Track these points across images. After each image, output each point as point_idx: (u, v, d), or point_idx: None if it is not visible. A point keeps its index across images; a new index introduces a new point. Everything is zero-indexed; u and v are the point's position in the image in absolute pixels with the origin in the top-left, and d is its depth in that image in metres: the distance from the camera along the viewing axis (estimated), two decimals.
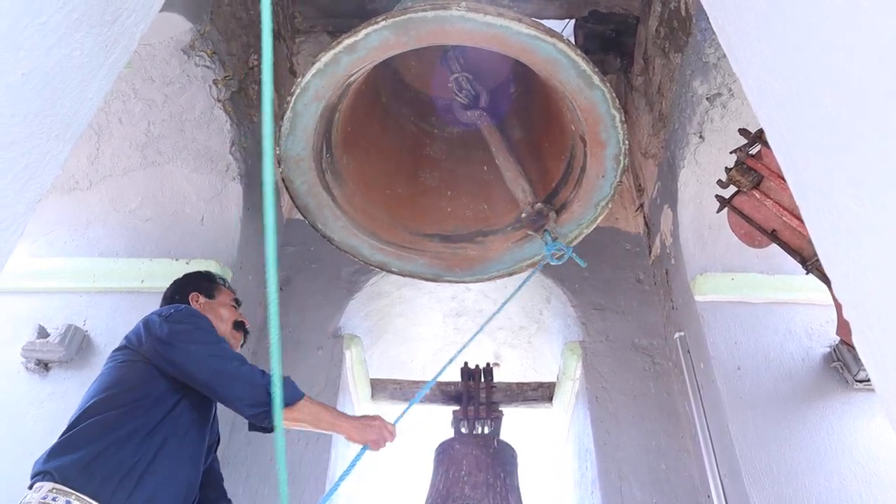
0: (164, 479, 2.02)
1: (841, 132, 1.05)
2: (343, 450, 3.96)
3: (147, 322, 2.30)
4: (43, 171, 1.25)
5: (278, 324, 1.55)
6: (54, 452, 1.96)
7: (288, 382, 2.21)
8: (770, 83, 1.29)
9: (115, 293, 3.54)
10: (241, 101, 3.84)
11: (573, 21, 4.81)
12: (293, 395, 2.21)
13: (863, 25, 0.97)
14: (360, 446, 2.35)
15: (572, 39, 4.82)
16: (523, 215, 2.98)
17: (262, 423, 2.16)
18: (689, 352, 3.69)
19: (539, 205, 2.93)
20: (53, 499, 1.80)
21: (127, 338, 2.34)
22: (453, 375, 4.41)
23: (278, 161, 2.81)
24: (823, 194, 1.10)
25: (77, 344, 3.30)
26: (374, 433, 2.33)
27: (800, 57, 1.16)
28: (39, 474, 1.89)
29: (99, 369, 2.33)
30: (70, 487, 1.83)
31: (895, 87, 0.91)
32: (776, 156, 1.30)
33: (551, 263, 2.93)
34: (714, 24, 1.57)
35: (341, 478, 2.30)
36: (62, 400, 3.11)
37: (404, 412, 2.50)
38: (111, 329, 3.39)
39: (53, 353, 3.22)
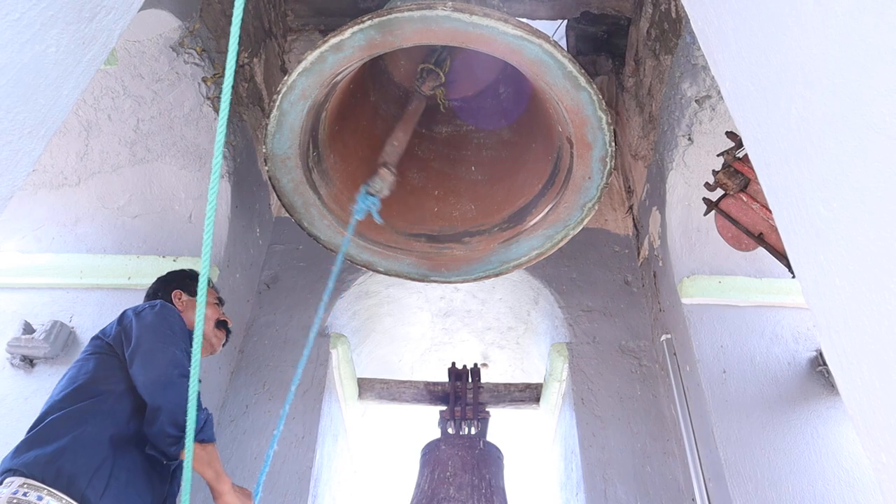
0: (133, 478, 2.00)
1: (812, 137, 1.05)
2: (329, 448, 3.96)
3: (122, 316, 2.30)
4: (15, 168, 1.25)
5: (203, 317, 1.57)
6: (21, 449, 1.94)
7: (210, 421, 2.13)
8: (746, 86, 1.29)
9: (102, 290, 3.53)
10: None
11: (565, 22, 4.81)
12: (209, 436, 2.10)
13: (835, 31, 0.97)
14: None
15: (564, 40, 4.83)
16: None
17: (168, 446, 2.02)
18: (675, 354, 3.70)
19: (381, 163, 2.88)
20: (24, 494, 1.78)
21: (103, 329, 2.33)
22: (441, 375, 4.41)
23: (265, 159, 2.81)
24: (795, 198, 1.11)
25: (63, 340, 3.28)
26: None
27: (774, 61, 1.16)
28: (8, 471, 1.87)
29: None
30: (40, 482, 1.81)
31: (865, 93, 0.91)
32: (751, 159, 1.30)
33: (357, 218, 2.82)
34: (695, 27, 1.57)
35: None
36: (47, 396, 3.08)
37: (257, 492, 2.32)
38: (97, 326, 3.34)
39: (38, 349, 3.20)
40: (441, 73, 3.30)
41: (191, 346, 2.32)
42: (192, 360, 1.70)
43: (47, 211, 3.74)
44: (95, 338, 2.30)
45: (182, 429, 1.93)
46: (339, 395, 4.24)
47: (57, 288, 3.52)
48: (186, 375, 2.03)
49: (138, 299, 2.87)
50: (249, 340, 4.02)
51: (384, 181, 2.83)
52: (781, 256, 2.75)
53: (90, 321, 3.40)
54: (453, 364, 4.39)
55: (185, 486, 1.76)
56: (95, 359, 2.21)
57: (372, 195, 2.80)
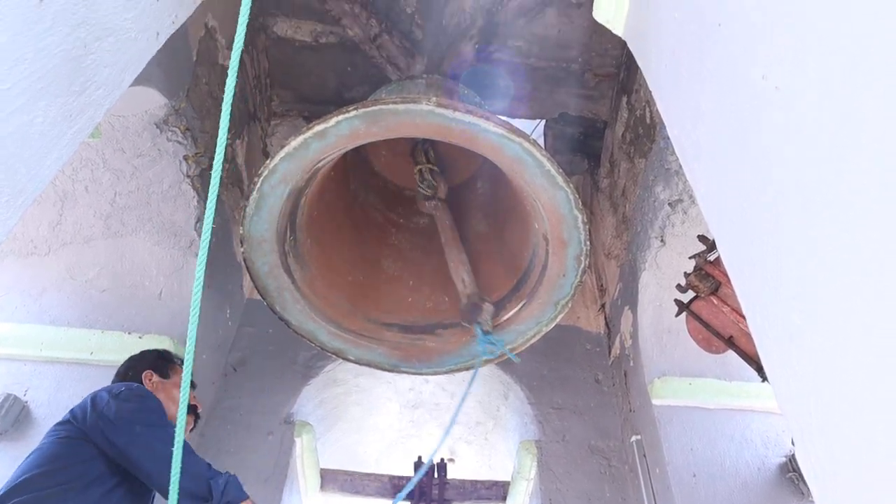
0: None
1: (787, 243, 1.07)
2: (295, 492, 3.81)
3: (95, 398, 2.23)
4: None
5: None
6: None
7: (234, 481, 2.17)
8: (720, 192, 1.32)
9: (62, 364, 3.42)
10: (210, 179, 3.84)
11: (543, 122, 4.95)
12: (237, 496, 2.15)
13: (807, 140, 1.01)
14: None
15: (542, 139, 4.95)
16: (461, 306, 2.93)
17: None
18: (645, 456, 3.65)
19: (475, 297, 2.88)
20: None
21: (72, 412, 2.26)
22: (406, 469, 4.31)
23: (241, 241, 2.80)
24: (768, 304, 1.12)
25: (14, 415, 3.15)
26: None
27: (748, 167, 1.19)
28: None
29: (35, 443, 2.23)
30: None
31: (840, 202, 0.93)
32: (725, 263, 1.32)
33: (485, 357, 2.88)
34: (670, 133, 1.62)
35: None
36: None
37: None
38: (53, 401, 3.25)
39: None
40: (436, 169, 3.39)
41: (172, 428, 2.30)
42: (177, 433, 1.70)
43: (13, 279, 3.66)
44: (66, 421, 2.23)
45: (202, 497, 2.08)
46: (300, 486, 4.10)
47: (14, 359, 3.41)
48: (188, 449, 2.12)
49: (99, 375, 2.79)
50: (211, 423, 3.90)
51: (488, 313, 2.84)
52: (751, 360, 2.76)
53: (46, 396, 3.28)
54: (419, 458, 4.29)
55: None
56: (66, 443, 2.13)
57: (488, 332, 2.82)
